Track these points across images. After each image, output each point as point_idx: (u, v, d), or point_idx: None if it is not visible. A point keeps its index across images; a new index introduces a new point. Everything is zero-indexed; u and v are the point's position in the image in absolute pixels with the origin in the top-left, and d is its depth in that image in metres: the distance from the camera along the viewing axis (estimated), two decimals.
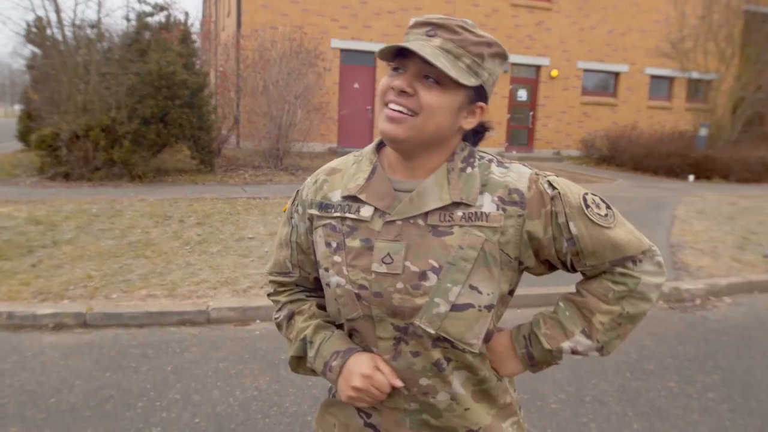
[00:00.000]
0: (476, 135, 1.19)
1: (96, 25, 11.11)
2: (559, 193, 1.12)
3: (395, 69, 1.09)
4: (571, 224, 1.11)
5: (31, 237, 6.12)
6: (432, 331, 1.08)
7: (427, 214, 1.09)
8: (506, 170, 1.13)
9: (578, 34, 18.05)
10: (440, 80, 1.04)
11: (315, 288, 1.29)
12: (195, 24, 18.17)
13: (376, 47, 16.35)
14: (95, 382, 3.45)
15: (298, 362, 1.26)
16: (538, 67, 18.13)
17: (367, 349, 1.15)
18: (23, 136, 14.42)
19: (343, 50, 16.15)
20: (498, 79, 1.14)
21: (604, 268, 1.14)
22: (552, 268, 1.19)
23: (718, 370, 3.94)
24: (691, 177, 13.50)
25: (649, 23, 18.42)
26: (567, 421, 3.21)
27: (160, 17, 12.55)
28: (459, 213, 1.08)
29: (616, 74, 19.00)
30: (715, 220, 8.61)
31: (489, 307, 1.11)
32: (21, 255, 5.54)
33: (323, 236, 1.16)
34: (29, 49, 14.64)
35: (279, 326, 1.30)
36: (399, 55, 1.07)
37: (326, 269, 1.15)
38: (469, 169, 1.12)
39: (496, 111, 17.84)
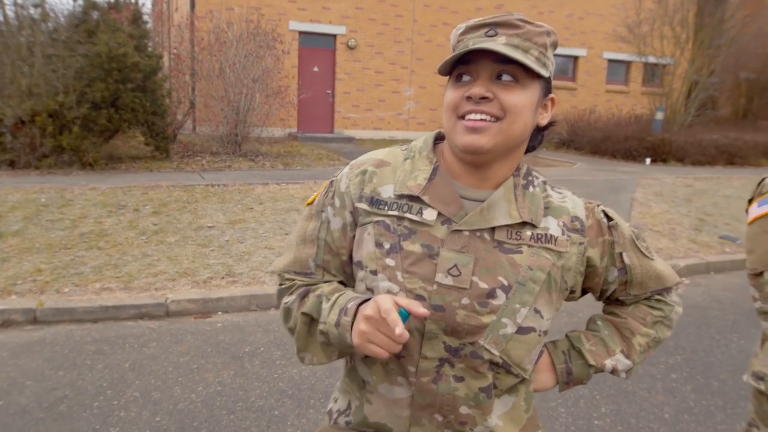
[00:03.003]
0: (541, 131, 1.11)
1: (40, 4, 10.53)
2: (616, 223, 1.13)
3: (459, 79, 1.00)
4: (624, 255, 1.12)
5: None
6: (496, 353, 1.01)
7: (494, 229, 1.02)
8: (561, 195, 1.12)
9: (537, 18, 18.03)
10: (517, 77, 0.97)
11: None
12: (146, 4, 17.52)
13: (335, 29, 16.09)
14: (48, 382, 3.27)
15: (309, 330, 1.08)
16: None
17: (403, 368, 1.03)
18: None
19: (301, 32, 15.83)
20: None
21: (643, 297, 1.18)
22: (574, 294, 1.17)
23: (680, 350, 4.01)
24: (648, 160, 13.79)
25: (606, 7, 18.64)
26: (535, 406, 3.20)
27: None
28: (528, 232, 1.04)
29: (575, 58, 19.20)
30: (673, 203, 8.81)
31: (545, 333, 1.07)
32: None
33: (373, 234, 1.04)
34: None
35: (287, 312, 1.11)
36: (460, 63, 0.99)
37: (373, 272, 1.03)
38: (531, 188, 1.07)
39: None
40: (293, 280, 1.14)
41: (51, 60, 9.78)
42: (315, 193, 1.18)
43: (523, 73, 0.97)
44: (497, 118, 0.98)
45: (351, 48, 16.30)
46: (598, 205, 1.14)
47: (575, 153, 15.64)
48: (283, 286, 1.15)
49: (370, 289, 1.04)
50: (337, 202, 1.11)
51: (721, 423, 3.12)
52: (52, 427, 2.85)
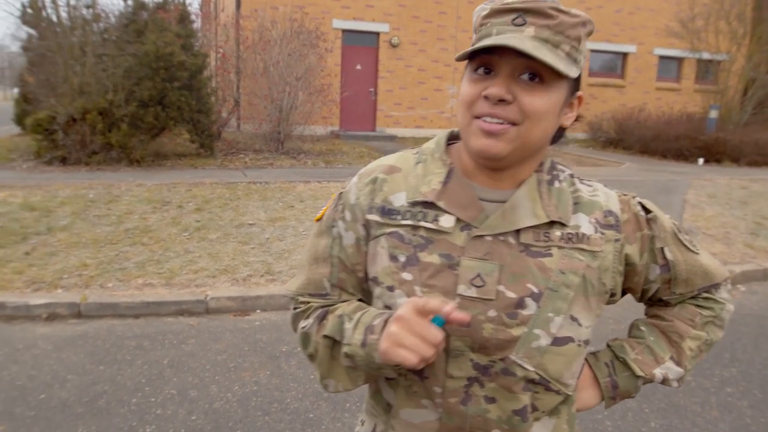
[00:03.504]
0: (563, 128, 0.99)
1: (92, 5, 10.85)
2: (655, 215, 1.02)
3: (477, 70, 0.89)
4: (666, 250, 1.01)
5: (25, 223, 5.96)
6: (530, 368, 0.90)
7: (518, 231, 0.92)
8: (592, 188, 1.00)
9: (586, 13, 17.67)
10: (542, 77, 0.86)
11: None
12: (194, 4, 17.87)
13: (378, 27, 16.05)
14: (88, 377, 3.31)
15: (332, 354, 0.98)
16: None
17: (428, 390, 0.94)
18: (20, 119, 14.23)
19: (345, 31, 15.85)
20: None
21: (690, 296, 1.07)
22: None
23: (736, 362, 3.79)
24: (701, 160, 13.27)
25: (658, 2, 18.03)
26: (581, 418, 3.06)
27: None
28: (557, 233, 0.93)
29: (624, 55, 18.65)
30: (727, 205, 8.42)
31: (586, 342, 0.96)
32: (15, 242, 5.38)
33: (387, 247, 0.95)
34: (25, 31, 14.41)
35: (306, 337, 1.01)
36: (482, 51, 0.87)
37: (390, 288, 0.94)
38: (557, 183, 0.97)
39: None
40: (308, 302, 1.04)
41: (101, 59, 10.06)
42: (323, 208, 1.08)
43: (549, 71, 0.85)
44: (515, 123, 0.87)
45: (394, 46, 16.23)
46: (634, 197, 1.02)
47: (623, 152, 15.18)
48: (298, 310, 1.06)
49: (387, 306, 0.95)
50: (348, 216, 1.01)
51: None
52: (90, 422, 2.87)
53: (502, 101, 0.86)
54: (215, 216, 6.54)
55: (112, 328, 4.01)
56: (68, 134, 9.45)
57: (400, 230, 0.95)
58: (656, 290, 1.05)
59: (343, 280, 1.03)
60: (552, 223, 0.93)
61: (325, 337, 0.97)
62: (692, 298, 1.07)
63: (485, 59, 0.88)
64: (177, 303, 4.33)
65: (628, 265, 0.99)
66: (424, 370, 0.93)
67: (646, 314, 1.13)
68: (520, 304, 0.90)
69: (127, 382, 3.27)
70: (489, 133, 0.87)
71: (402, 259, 0.94)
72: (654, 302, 1.10)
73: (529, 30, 0.85)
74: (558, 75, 0.86)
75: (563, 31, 0.86)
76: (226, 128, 12.81)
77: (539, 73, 0.86)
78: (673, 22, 15.58)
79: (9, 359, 3.50)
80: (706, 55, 15.44)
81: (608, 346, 1.08)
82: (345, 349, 0.94)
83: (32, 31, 13.42)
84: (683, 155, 13.61)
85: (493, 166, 0.93)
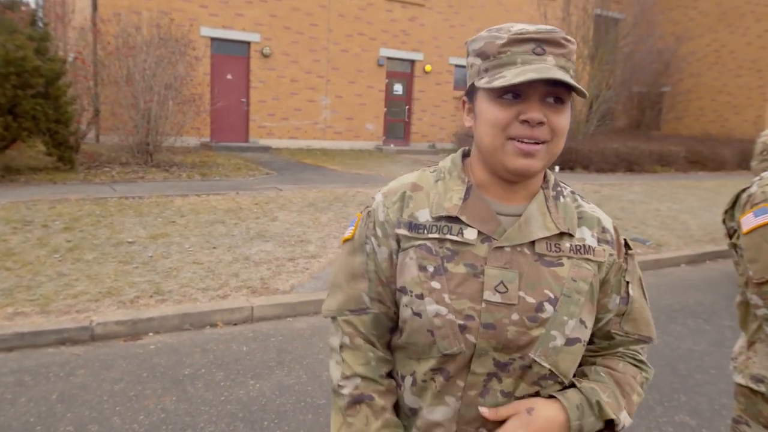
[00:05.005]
0: None
1: None
2: (633, 254, 1.14)
3: (505, 95, 0.98)
4: (630, 286, 1.12)
5: None
6: (547, 366, 1.01)
7: (533, 242, 1.03)
8: (591, 206, 1.13)
9: (449, 31, 18.67)
10: (563, 99, 0.98)
11: (391, 329, 1.12)
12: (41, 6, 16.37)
13: (249, 36, 15.75)
14: None
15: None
16: (412, 62, 18.51)
17: (453, 386, 1.02)
18: None
19: (214, 39, 15.37)
20: None
21: (628, 340, 1.14)
22: None
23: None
24: (557, 168, 14.51)
25: (513, 22, 19.47)
26: None
27: None
28: (566, 244, 1.04)
29: None
30: None
31: (586, 342, 1.07)
32: None
33: (416, 259, 1.03)
34: None
35: (337, 391, 1.10)
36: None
37: (419, 296, 1.02)
38: (561, 198, 1.09)
39: (374, 105, 17.97)
40: (352, 326, 1.11)
41: None
42: (352, 228, 1.16)
43: (567, 93, 0.99)
44: (546, 142, 0.99)
45: (266, 56, 16.02)
46: (619, 231, 1.15)
47: None
48: (342, 346, 1.11)
49: (417, 314, 1.02)
50: (380, 232, 1.09)
51: (662, 416, 3.29)
52: None
53: (540, 123, 0.97)
54: (88, 234, 6.03)
55: None
56: None
57: (428, 243, 1.04)
58: (608, 321, 1.12)
59: (380, 293, 1.09)
60: (561, 235, 1.05)
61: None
62: (630, 358, 1.13)
63: (513, 87, 0.96)
64: (57, 331, 3.94)
65: (605, 282, 1.09)
66: (450, 371, 1.02)
67: (589, 361, 1.15)
68: (539, 308, 1.00)
69: (12, 422, 2.93)
70: (528, 154, 0.98)
71: (430, 269, 1.02)
72: (597, 340, 1.14)
73: (550, 59, 0.96)
74: (569, 96, 0.99)
75: (570, 58, 0.99)
76: (84, 140, 11.84)
77: (562, 97, 0.99)
78: None
79: None
80: None
81: (577, 388, 1.06)
82: None
83: None
84: None
85: (523, 180, 1.04)
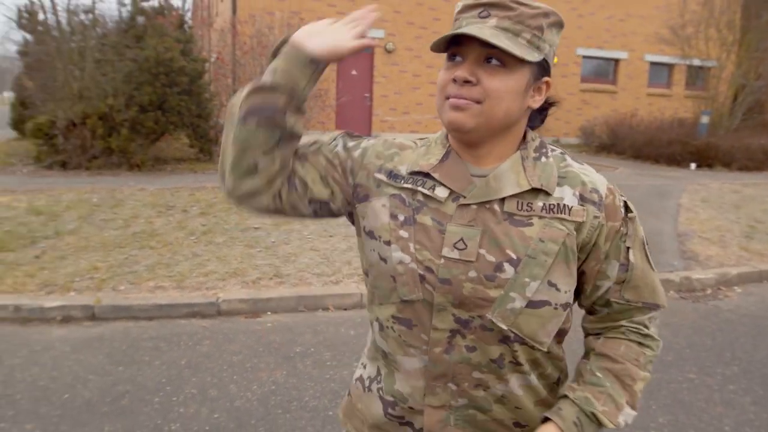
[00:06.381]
0: (541, 112, 1.12)
1: (90, 10, 10.90)
2: (635, 216, 1.09)
3: (451, 58, 1.02)
4: (631, 251, 1.08)
5: (32, 228, 6.00)
6: (505, 327, 1.00)
7: (503, 200, 1.01)
8: (582, 167, 1.09)
9: (577, 20, 17.92)
10: (504, 61, 0.97)
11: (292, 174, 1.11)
12: (190, 10, 17.89)
13: (373, 33, 16.15)
14: (109, 377, 3.38)
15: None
16: None
17: (416, 338, 1.06)
18: (17, 124, 14.20)
19: None
20: (557, 48, 1.06)
21: (631, 307, 1.11)
22: None
23: (737, 361, 3.91)
24: (693, 165, 13.48)
25: (648, 9, 18.29)
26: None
27: (155, 2, 12.33)
28: (539, 203, 1.01)
29: (616, 61, 18.90)
30: (720, 209, 8.59)
31: (565, 306, 1.05)
32: (24, 246, 5.43)
33: (389, 207, 1.07)
34: (21, 36, 14.39)
35: (233, 107, 1.05)
36: (453, 44, 1.00)
37: (387, 242, 1.05)
38: (543, 159, 1.06)
39: None
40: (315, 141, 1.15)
41: (101, 64, 10.10)
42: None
43: (510, 57, 0.96)
44: (479, 102, 0.98)
45: (389, 51, 16.36)
46: (621, 195, 1.09)
47: (616, 157, 15.37)
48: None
49: (383, 259, 1.06)
50: (358, 151, 1.13)
51: None
52: (116, 420, 2.94)
53: (467, 82, 0.98)
54: (220, 220, 6.60)
55: (127, 330, 4.07)
56: (68, 139, 9.48)
57: (402, 193, 1.07)
58: (607, 290, 1.09)
59: (316, 158, 1.12)
60: (536, 193, 1.02)
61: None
62: (633, 332, 1.11)
63: (456, 49, 1.01)
64: (189, 305, 4.39)
65: (595, 245, 1.05)
66: (411, 320, 1.05)
67: (590, 345, 1.15)
68: (498, 267, 1.00)
69: (148, 382, 3.34)
70: (456, 107, 0.99)
71: (401, 218, 1.05)
72: (597, 307, 1.13)
73: (492, 21, 0.97)
74: (519, 60, 0.97)
75: (523, 21, 0.97)
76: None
77: (501, 59, 0.97)
78: (663, 30, 15.82)
79: (29, 361, 3.55)
80: (696, 62, 15.69)
81: (571, 400, 1.06)
82: (263, 81, 1.03)
83: (28, 36, 13.41)
84: (675, 160, 13.81)
85: (464, 138, 1.04)
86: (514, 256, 0.99)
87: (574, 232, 1.02)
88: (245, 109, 1.01)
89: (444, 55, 1.04)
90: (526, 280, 0.99)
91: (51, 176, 9.12)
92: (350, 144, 1.14)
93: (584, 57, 18.39)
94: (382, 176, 1.09)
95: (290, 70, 1.02)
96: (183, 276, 4.86)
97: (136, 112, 9.71)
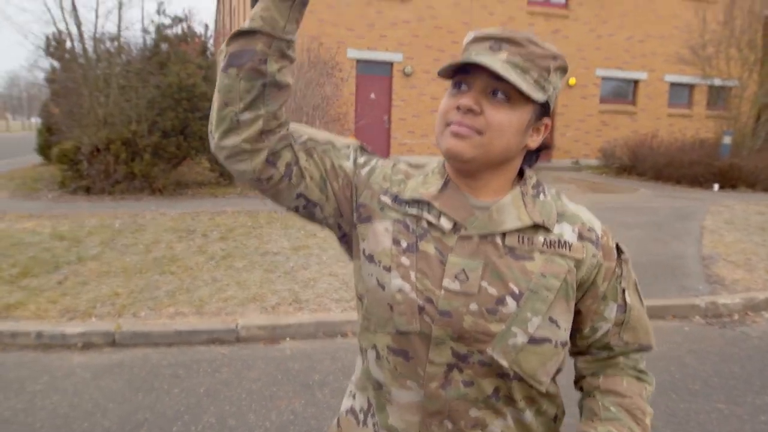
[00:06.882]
0: (537, 152, 1.12)
1: (116, 38, 11.17)
2: (628, 258, 1.11)
3: (456, 86, 1.02)
4: (627, 292, 1.09)
5: (56, 253, 6.09)
6: (505, 364, 0.98)
7: (504, 234, 1.01)
8: (578, 207, 1.11)
9: (596, 42, 17.91)
10: (509, 96, 0.98)
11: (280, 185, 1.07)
12: (212, 36, 18.24)
13: (392, 57, 16.33)
14: (128, 405, 3.38)
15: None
16: None
17: (412, 371, 1.02)
18: (43, 150, 14.51)
19: (359, 60, 16.14)
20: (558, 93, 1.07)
21: (628, 350, 1.12)
22: None
23: (767, 389, 3.79)
24: (716, 186, 13.27)
25: (668, 29, 18.24)
26: None
27: (178, 29, 12.59)
28: (540, 238, 1.02)
29: (635, 82, 18.81)
30: (746, 231, 8.42)
31: (564, 344, 1.04)
32: (47, 272, 5.50)
33: (392, 231, 1.04)
34: (49, 63, 14.76)
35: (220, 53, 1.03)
36: (461, 72, 1.01)
37: (387, 268, 1.02)
38: (542, 196, 1.06)
39: None
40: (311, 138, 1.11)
41: (125, 90, 10.32)
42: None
43: (516, 93, 0.97)
44: (481, 132, 0.98)
45: (407, 75, 16.48)
46: (613, 237, 1.11)
47: (637, 179, 15.21)
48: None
49: (381, 286, 1.03)
50: (365, 170, 1.10)
51: None
52: None
53: (471, 111, 0.98)
54: (240, 244, 6.64)
55: (147, 356, 4.09)
56: (92, 164, 9.66)
57: (407, 219, 1.05)
58: (606, 332, 1.10)
59: (309, 157, 1.08)
60: (537, 229, 1.02)
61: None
62: (632, 369, 1.12)
63: (462, 77, 1.01)
64: (208, 332, 4.40)
65: (593, 283, 1.06)
66: (408, 351, 1.02)
67: (587, 383, 1.14)
68: (500, 301, 0.98)
69: (167, 410, 3.33)
70: (457, 135, 0.99)
71: (404, 244, 1.03)
72: (594, 350, 1.13)
73: (502, 54, 0.97)
74: (524, 97, 0.98)
75: (533, 60, 0.98)
76: None
77: (507, 93, 0.98)
78: (683, 50, 15.73)
79: (50, 387, 3.58)
80: (717, 82, 15.54)
81: None
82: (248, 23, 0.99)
83: (56, 63, 13.75)
84: (698, 181, 13.62)
85: (461, 168, 1.04)
86: (516, 290, 0.98)
87: (575, 269, 1.02)
88: (226, 57, 0.98)
89: (448, 82, 1.04)
90: (528, 315, 0.98)
91: (75, 201, 9.28)
92: (360, 160, 1.12)
93: (603, 78, 18.34)
94: (387, 199, 1.07)
95: (267, 8, 0.97)
96: (202, 301, 4.88)
97: (158, 137, 9.89)
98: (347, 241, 1.13)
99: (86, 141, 9.62)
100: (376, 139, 16.54)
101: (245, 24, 0.98)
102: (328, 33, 15.54)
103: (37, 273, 5.44)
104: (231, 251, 6.35)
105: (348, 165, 1.10)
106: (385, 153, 16.71)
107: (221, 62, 0.99)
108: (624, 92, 19.01)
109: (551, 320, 0.99)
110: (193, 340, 4.35)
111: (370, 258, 1.05)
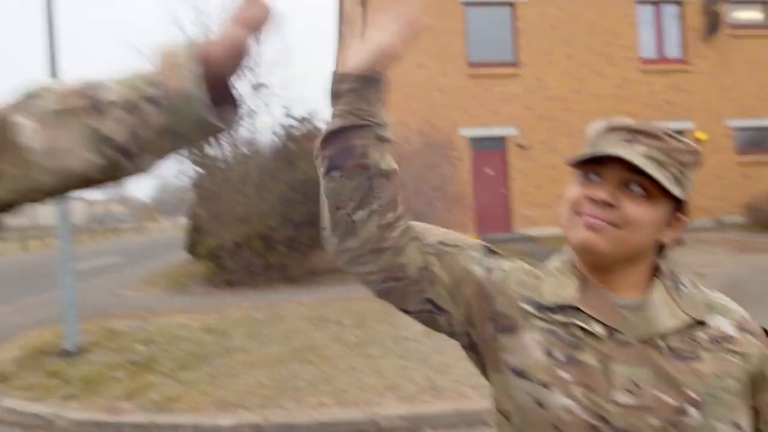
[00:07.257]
0: (663, 247, 1.05)
1: (251, 141, 12.27)
2: None
3: (585, 176, 0.99)
4: None
5: (206, 346, 6.54)
6: None
7: (663, 335, 0.94)
8: (717, 294, 1.03)
9: (722, 93, 16.93)
10: (648, 191, 0.94)
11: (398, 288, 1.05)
12: None
13: (504, 131, 16.43)
14: None
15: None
16: (680, 132, 17.06)
17: None
18: (191, 248, 15.91)
19: (472, 138, 16.39)
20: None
21: None
22: None
23: None
24: None
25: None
26: None
27: (304, 128, 13.59)
28: (701, 335, 0.94)
29: None
30: None
31: None
32: (199, 365, 5.90)
33: (543, 342, 0.97)
34: (193, 170, 16.42)
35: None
36: (592, 161, 0.97)
37: (544, 384, 0.94)
38: (682, 287, 1.00)
39: None
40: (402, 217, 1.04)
41: (259, 189, 11.19)
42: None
43: (655, 188, 0.93)
44: (616, 226, 0.93)
45: (522, 147, 16.45)
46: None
47: None
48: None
49: (539, 403, 0.94)
50: (498, 274, 1.05)
51: None
52: None
53: (607, 204, 0.93)
54: (373, 330, 6.76)
55: None
56: (234, 259, 10.43)
57: (556, 328, 0.98)
58: None
59: (435, 261, 1.04)
60: (692, 326, 0.95)
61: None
62: None
63: (595, 168, 0.97)
64: (350, 423, 4.45)
65: (764, 377, 0.96)
66: None
67: None
68: (681, 411, 0.89)
69: None
70: (592, 227, 0.94)
71: (560, 357, 0.95)
72: None
73: (640, 147, 0.94)
74: (662, 193, 0.94)
75: (671, 155, 0.94)
76: None
77: (645, 187, 0.94)
78: None
79: None
80: None
81: None
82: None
83: (200, 170, 15.30)
84: None
85: (594, 262, 0.97)
86: (695, 397, 0.90)
87: (745, 365, 0.95)
88: (326, 161, 0.96)
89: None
90: (713, 422, 0.89)
91: (220, 295, 10.00)
92: (490, 263, 1.06)
93: (736, 129, 17.15)
94: (528, 307, 1.01)
95: (350, 102, 0.94)
96: (342, 391, 4.97)
97: (291, 229, 10.53)
98: (476, 350, 1.06)
99: (227, 238, 10.46)
100: (495, 213, 16.44)
101: (333, 124, 0.95)
102: (440, 115, 16.02)
103: (191, 366, 5.85)
104: (365, 338, 6.47)
105: (478, 270, 1.05)
106: (506, 227, 16.50)
107: (320, 167, 0.97)
108: (762, 141, 17.59)
109: (737, 426, 0.91)
110: (335, 431, 4.41)
111: (521, 374, 0.98)
